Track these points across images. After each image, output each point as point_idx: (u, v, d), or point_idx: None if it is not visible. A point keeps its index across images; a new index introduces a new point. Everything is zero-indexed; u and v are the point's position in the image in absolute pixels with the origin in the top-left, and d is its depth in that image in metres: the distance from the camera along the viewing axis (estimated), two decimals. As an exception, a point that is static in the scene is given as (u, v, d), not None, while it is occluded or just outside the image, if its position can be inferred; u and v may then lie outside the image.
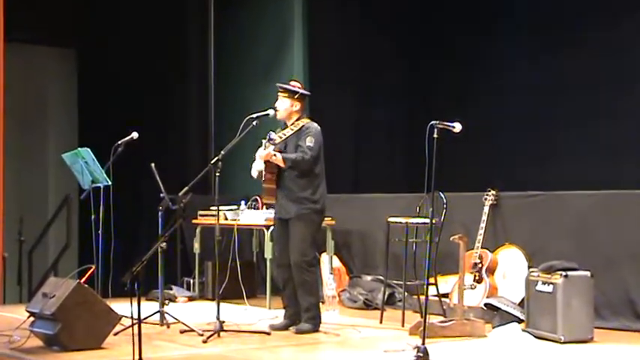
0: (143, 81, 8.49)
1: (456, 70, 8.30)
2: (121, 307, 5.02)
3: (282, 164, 5.33)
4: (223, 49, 8.84)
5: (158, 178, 5.79)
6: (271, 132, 5.36)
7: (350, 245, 7.43)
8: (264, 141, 5.32)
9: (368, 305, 6.77)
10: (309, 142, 5.35)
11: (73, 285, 4.93)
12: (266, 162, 5.37)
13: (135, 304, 4.05)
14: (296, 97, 5.47)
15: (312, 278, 5.40)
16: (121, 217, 6.73)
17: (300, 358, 4.89)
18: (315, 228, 5.42)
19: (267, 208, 7.00)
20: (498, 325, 5.53)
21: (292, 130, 5.44)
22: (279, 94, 5.50)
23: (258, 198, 7.17)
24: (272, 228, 6.02)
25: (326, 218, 6.74)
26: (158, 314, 5.71)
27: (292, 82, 5.58)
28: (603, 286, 5.55)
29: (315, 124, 5.47)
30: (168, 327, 5.64)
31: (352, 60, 8.71)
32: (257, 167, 5.45)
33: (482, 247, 6.12)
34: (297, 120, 5.47)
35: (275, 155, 5.30)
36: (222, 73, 8.84)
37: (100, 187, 6.23)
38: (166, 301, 6.05)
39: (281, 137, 5.41)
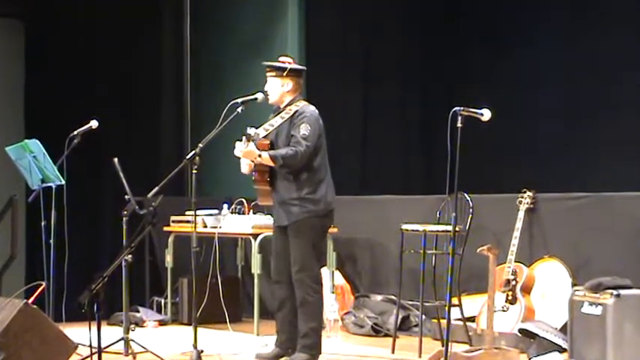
0: (105, 60, 8.46)
1: (483, 47, 8.31)
2: (78, 333, 5.00)
3: (271, 164, 5.31)
4: (202, 21, 8.83)
5: (122, 177, 5.76)
6: (250, 127, 5.31)
7: (355, 258, 7.43)
8: (244, 138, 5.27)
9: (377, 331, 6.76)
10: (304, 130, 5.30)
11: (19, 306, 4.91)
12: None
13: (94, 329, 3.99)
14: (285, 74, 5.44)
15: (315, 298, 5.37)
16: (78, 223, 6.71)
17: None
18: (316, 235, 5.39)
19: (255, 213, 6.98)
20: (536, 356, 5.51)
21: (283, 118, 5.41)
22: (268, 74, 5.48)
23: (243, 200, 7.16)
24: (269, 237, 5.98)
25: None
26: (122, 342, 5.68)
27: (282, 59, 5.55)
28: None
29: (312, 108, 5.44)
30: (135, 357, 5.62)
31: (358, 34, 8.73)
32: (247, 160, 5.42)
33: (516, 261, 6.11)
34: (289, 103, 5.43)
35: (260, 156, 5.26)
36: (200, 50, 8.84)
37: (51, 187, 6.20)
38: (132, 326, 6.02)
39: (267, 130, 5.37)
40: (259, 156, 5.22)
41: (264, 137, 5.35)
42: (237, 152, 5.29)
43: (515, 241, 6.13)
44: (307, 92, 7.85)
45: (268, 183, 5.39)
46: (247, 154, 5.23)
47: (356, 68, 8.74)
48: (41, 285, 6.00)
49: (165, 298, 7.52)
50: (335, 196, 5.53)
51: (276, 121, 5.42)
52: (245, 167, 5.44)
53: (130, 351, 5.66)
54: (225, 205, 7.23)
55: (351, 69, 8.71)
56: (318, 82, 7.92)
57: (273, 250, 5.57)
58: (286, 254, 5.39)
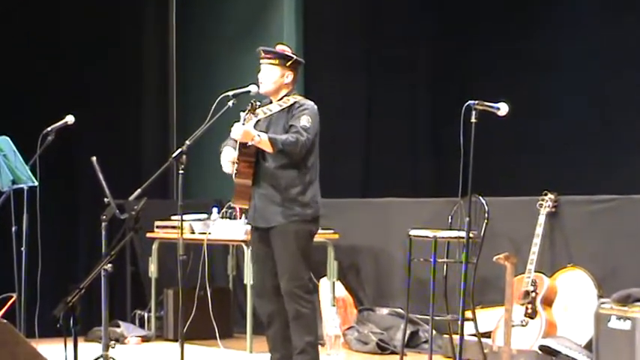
0: (83, 51, 8.44)
1: (501, 30, 8.29)
2: (52, 350, 4.97)
3: (269, 148, 5.22)
4: (189, 8, 8.83)
5: (101, 177, 5.72)
6: (242, 112, 5.26)
7: (359, 267, 7.42)
8: (242, 114, 5.19)
9: (383, 348, 6.74)
10: (305, 121, 5.25)
11: (-13, 320, 4.87)
12: (242, 145, 5.29)
13: (70, 346, 3.98)
14: (289, 64, 5.41)
15: (309, 309, 5.33)
16: (52, 229, 6.72)
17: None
18: (306, 241, 5.35)
19: (247, 218, 6.96)
20: (558, 375, 5.52)
21: (280, 105, 5.38)
22: (265, 61, 5.41)
23: (236, 204, 7.15)
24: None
25: (328, 231, 6.76)
26: (101, 360, 5.66)
27: (280, 47, 5.53)
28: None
29: (311, 102, 5.41)
30: (115, 377, 5.58)
31: (361, 20, 8.72)
32: (229, 157, 5.35)
33: (536, 270, 6.10)
34: (285, 95, 5.41)
35: (259, 135, 5.22)
36: (187, 39, 8.84)
37: (23, 188, 6.17)
38: (112, 343, 5.97)
39: (265, 113, 5.34)
40: (257, 136, 5.16)
41: (258, 121, 5.30)
42: (234, 133, 5.22)
43: (535, 249, 6.11)
44: (305, 84, 7.87)
45: (251, 176, 5.33)
46: (246, 134, 5.16)
47: (359, 57, 8.73)
48: (12, 297, 5.98)
49: (149, 311, 7.50)
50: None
51: (274, 107, 5.38)
52: (228, 165, 5.37)
53: (109, 370, 5.63)
54: (215, 209, 7.22)
55: (353, 58, 8.70)
56: (316, 73, 7.90)
57: (252, 257, 5.53)
58: (268, 262, 5.34)
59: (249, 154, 5.25)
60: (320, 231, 5.62)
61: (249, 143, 5.17)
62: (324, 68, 8.23)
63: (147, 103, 8.88)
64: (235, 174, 5.30)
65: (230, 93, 5.32)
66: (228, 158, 5.34)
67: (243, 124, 5.13)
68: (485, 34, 8.39)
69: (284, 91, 5.40)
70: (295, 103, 5.35)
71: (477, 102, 4.91)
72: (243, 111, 5.21)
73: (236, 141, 5.33)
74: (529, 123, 7.67)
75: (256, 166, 5.30)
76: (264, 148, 5.18)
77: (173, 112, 8.74)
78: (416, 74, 8.88)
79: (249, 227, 6.14)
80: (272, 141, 5.15)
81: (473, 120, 4.86)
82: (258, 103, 5.27)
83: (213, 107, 5.23)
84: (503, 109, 5.04)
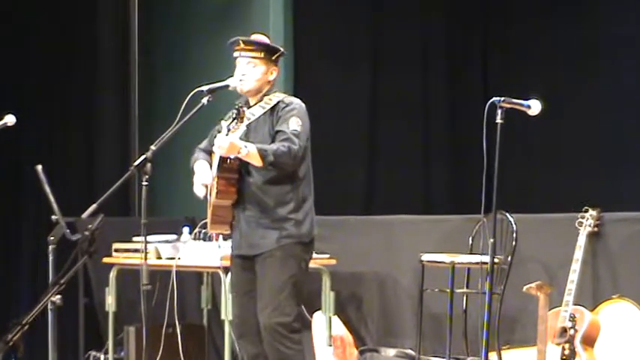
0: (28, 42, 8.45)
1: (533, 13, 8.27)
2: (-12, 399, 4.92)
3: (258, 162, 5.19)
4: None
5: (48, 191, 5.73)
6: (223, 121, 5.27)
7: (361, 299, 7.40)
8: (224, 123, 5.21)
9: (389, 397, 6.75)
10: (295, 125, 5.23)
11: None
12: (222, 159, 5.28)
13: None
14: (274, 58, 5.42)
15: (295, 351, 5.32)
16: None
17: None
18: (299, 268, 5.33)
19: (225, 239, 6.94)
20: None
21: (263, 108, 5.37)
22: (245, 53, 5.40)
23: (211, 222, 7.15)
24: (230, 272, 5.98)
25: (323, 255, 6.75)
26: (48, 411, 5.65)
27: (256, 37, 5.53)
28: None
29: (298, 100, 5.41)
30: None
31: (364, 3, 8.74)
32: (203, 179, 5.34)
33: (575, 303, 6.03)
34: (265, 94, 5.41)
35: (246, 147, 5.19)
36: (153, 25, 8.86)
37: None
38: (62, 390, 5.98)
39: (249, 119, 5.31)
40: (244, 147, 5.12)
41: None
42: (218, 147, 5.16)
43: (573, 277, 6.04)
44: (295, 80, 7.87)
45: (234, 195, 5.32)
46: (232, 146, 5.12)
47: (360, 48, 8.76)
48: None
49: (106, 352, 7.47)
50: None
51: (256, 110, 5.38)
52: (201, 189, 5.36)
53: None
54: (186, 229, 7.18)
55: (353, 49, 8.73)
56: (309, 66, 7.92)
57: (233, 290, 5.54)
58: (253, 294, 5.35)
59: (231, 170, 5.24)
60: (314, 255, 5.60)
61: (232, 156, 5.17)
62: (318, 60, 8.26)
63: (103, 101, 8.87)
64: (216, 193, 5.28)
65: (204, 88, 5.29)
66: (204, 180, 5.34)
67: (227, 134, 5.11)
68: (515, 15, 8.42)
69: (265, 90, 5.41)
70: (279, 102, 5.35)
71: (503, 99, 4.91)
72: (225, 119, 5.21)
73: (211, 153, 5.34)
74: (566, 125, 7.69)
75: (239, 183, 5.30)
76: (251, 161, 5.16)
77: (135, 112, 8.74)
78: (429, 66, 8.91)
79: (227, 252, 6.15)
80: (261, 153, 5.11)
81: (498, 120, 4.86)
82: (246, 110, 5.23)
83: (183, 105, 5.21)
84: (534, 107, 5.04)
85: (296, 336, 5.31)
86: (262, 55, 5.39)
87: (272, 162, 5.11)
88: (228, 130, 5.10)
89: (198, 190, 5.38)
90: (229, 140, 5.05)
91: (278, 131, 5.24)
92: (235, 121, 5.08)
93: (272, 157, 5.10)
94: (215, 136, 5.32)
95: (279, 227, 5.28)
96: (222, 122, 5.23)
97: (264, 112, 5.34)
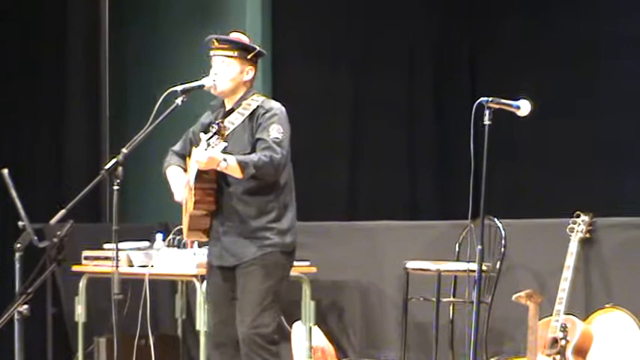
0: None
1: (517, 19, 8.34)
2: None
3: (238, 174, 5.19)
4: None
5: (14, 195, 5.69)
6: (202, 133, 5.22)
7: (342, 309, 7.41)
8: (203, 136, 5.16)
9: (372, 411, 6.75)
10: (276, 132, 5.24)
11: None
12: (201, 173, 5.27)
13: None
14: (250, 57, 5.40)
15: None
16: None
17: None
18: (279, 279, 5.35)
19: (200, 246, 6.93)
20: None
21: (242, 114, 5.36)
22: (219, 52, 5.40)
23: (186, 228, 7.14)
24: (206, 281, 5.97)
25: (303, 263, 6.75)
26: None
27: (235, 35, 5.52)
28: None
29: (278, 104, 5.41)
30: None
31: (343, 1, 8.74)
32: (181, 181, 5.35)
33: (566, 312, 6.04)
34: (244, 97, 5.40)
35: (225, 160, 5.17)
36: (124, 22, 8.83)
37: None
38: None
39: (227, 128, 5.28)
40: (224, 160, 5.11)
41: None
42: (197, 162, 5.17)
43: (565, 285, 6.05)
44: (273, 81, 7.85)
45: (213, 206, 5.33)
46: (211, 160, 5.12)
47: (342, 47, 8.76)
48: None
49: (76, 365, 7.46)
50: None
51: (235, 118, 5.37)
52: (182, 194, 5.36)
53: None
54: (160, 235, 7.17)
55: (335, 48, 8.74)
56: (287, 66, 7.90)
57: (210, 299, 5.55)
58: (232, 306, 5.35)
59: (210, 180, 5.26)
60: (294, 263, 5.58)
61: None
62: (297, 59, 8.26)
63: (72, 101, 8.83)
64: (194, 203, 5.29)
65: (179, 88, 5.29)
66: (181, 183, 5.34)
67: (207, 149, 5.09)
68: (504, 12, 8.45)
69: (242, 91, 5.40)
70: (258, 107, 5.35)
71: (491, 99, 4.93)
72: (205, 132, 5.19)
73: (185, 157, 5.34)
74: (557, 126, 7.70)
75: (218, 192, 5.30)
76: (232, 174, 5.17)
77: (106, 113, 8.71)
78: (414, 65, 8.93)
79: (203, 259, 6.14)
80: (242, 165, 5.13)
81: (486, 122, 4.89)
82: (228, 125, 5.23)
83: (157, 106, 5.21)
84: (524, 107, 5.06)
85: (274, 347, 5.32)
86: (236, 53, 5.37)
87: (253, 174, 5.13)
88: (208, 145, 5.08)
89: (179, 194, 5.38)
90: (208, 155, 5.05)
91: (258, 139, 5.25)
92: (216, 136, 5.07)
93: (253, 170, 5.12)
94: (190, 138, 5.38)
95: (261, 237, 5.30)
96: (202, 135, 5.21)
97: (243, 120, 5.33)
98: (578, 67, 8.08)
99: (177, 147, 5.55)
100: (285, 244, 5.33)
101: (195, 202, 5.28)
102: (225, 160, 5.06)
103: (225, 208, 5.32)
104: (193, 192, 5.27)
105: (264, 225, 5.30)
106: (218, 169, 5.10)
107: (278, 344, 5.36)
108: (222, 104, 5.42)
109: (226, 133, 5.11)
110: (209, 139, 5.09)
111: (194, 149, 5.24)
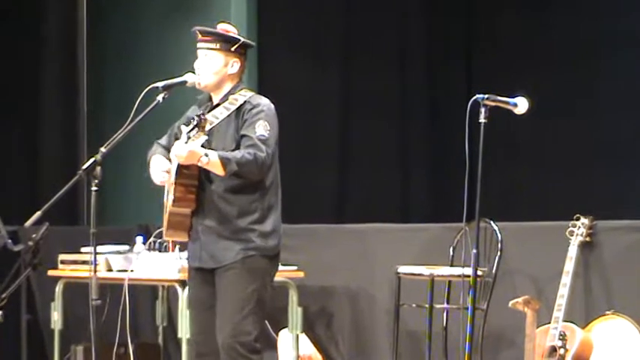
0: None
1: (515, 14, 8.34)
2: None
3: (219, 171, 5.18)
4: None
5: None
6: (183, 125, 5.24)
7: (331, 315, 7.39)
8: (184, 128, 5.17)
9: (362, 423, 6.74)
10: (262, 129, 5.23)
11: None
12: (181, 168, 5.26)
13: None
14: (234, 49, 5.39)
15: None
16: None
17: None
18: (263, 283, 5.34)
19: (182, 250, 6.92)
20: None
21: (227, 109, 5.35)
22: (202, 44, 5.41)
23: (167, 231, 7.14)
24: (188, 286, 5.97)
25: (289, 267, 6.77)
26: None
27: (221, 27, 5.51)
28: None
29: (266, 100, 5.39)
30: None
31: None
32: (162, 166, 5.33)
33: (565, 320, 6.02)
34: (231, 92, 5.39)
35: (207, 155, 5.16)
36: (104, 15, 8.83)
37: None
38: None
39: (211, 122, 5.28)
40: (205, 156, 5.11)
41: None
42: (176, 155, 5.15)
43: (564, 291, 6.03)
44: (258, 76, 7.84)
45: (194, 203, 5.31)
46: (191, 154, 5.11)
47: (331, 41, 8.77)
48: None
49: (51, 374, 7.44)
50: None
51: (220, 112, 5.35)
52: (161, 175, 5.33)
53: None
54: (140, 238, 7.15)
55: (324, 42, 8.74)
56: (274, 61, 7.88)
57: (192, 306, 5.55)
58: (213, 315, 5.34)
59: (191, 176, 5.24)
60: (280, 268, 5.60)
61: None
62: (283, 52, 8.25)
63: (48, 97, 8.83)
64: (173, 201, 5.26)
65: (160, 84, 5.30)
66: (162, 167, 5.31)
67: (187, 142, 5.09)
68: (504, 4, 8.46)
69: (228, 85, 5.40)
70: (245, 103, 5.34)
71: (487, 96, 4.92)
72: (186, 124, 5.18)
73: (169, 151, 5.31)
74: (556, 125, 7.70)
75: (199, 190, 5.28)
76: (213, 170, 5.16)
77: (83, 110, 8.70)
78: (407, 60, 8.93)
79: (185, 263, 6.12)
80: (224, 161, 5.12)
81: (482, 120, 4.88)
82: (208, 116, 5.22)
83: (137, 103, 5.19)
84: (521, 105, 5.07)
85: (256, 356, 5.30)
86: (218, 45, 5.36)
87: (235, 171, 5.11)
88: (188, 137, 5.08)
89: (157, 177, 5.35)
90: (188, 148, 5.04)
91: (243, 136, 5.23)
92: (196, 129, 5.06)
93: (235, 167, 5.10)
94: (175, 133, 5.36)
95: (242, 239, 5.28)
96: (182, 127, 5.20)
97: (229, 115, 5.32)
98: (577, 66, 8.10)
99: (162, 140, 5.55)
100: (268, 248, 5.31)
101: (174, 199, 5.26)
102: (206, 155, 5.05)
103: (205, 206, 5.30)
104: (173, 188, 5.25)
105: (246, 226, 5.28)
106: (199, 164, 5.09)
107: (260, 353, 5.34)
108: (210, 98, 5.41)
109: (207, 126, 5.09)
110: (189, 131, 5.10)
111: (176, 143, 5.22)
